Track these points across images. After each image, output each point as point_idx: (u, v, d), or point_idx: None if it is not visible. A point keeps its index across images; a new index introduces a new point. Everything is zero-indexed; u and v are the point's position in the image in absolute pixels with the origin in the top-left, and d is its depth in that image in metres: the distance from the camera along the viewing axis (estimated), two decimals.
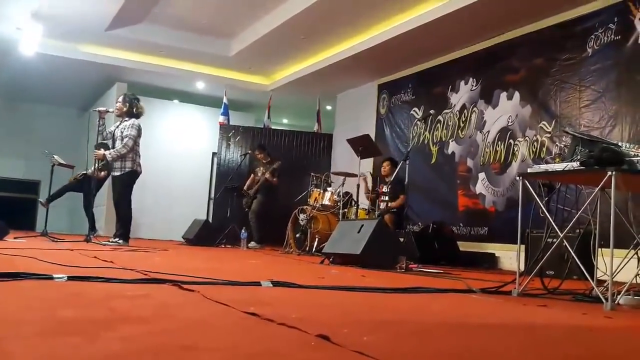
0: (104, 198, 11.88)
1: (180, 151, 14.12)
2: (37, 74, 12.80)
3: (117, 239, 7.64)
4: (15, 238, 7.40)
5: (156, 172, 12.44)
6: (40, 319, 1.85)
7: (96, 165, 7.88)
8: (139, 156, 7.86)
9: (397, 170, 7.95)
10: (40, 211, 15.30)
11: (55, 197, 9.51)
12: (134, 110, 7.88)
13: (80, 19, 10.35)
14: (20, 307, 2.06)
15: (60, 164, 9.31)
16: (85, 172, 9.27)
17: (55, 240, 7.86)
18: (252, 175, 10.57)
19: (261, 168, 10.32)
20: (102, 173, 8.51)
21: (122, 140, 7.69)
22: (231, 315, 2.16)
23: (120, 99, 8.04)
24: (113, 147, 7.77)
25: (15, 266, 3.35)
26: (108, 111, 7.99)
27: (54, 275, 2.85)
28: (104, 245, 7.32)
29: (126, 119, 7.85)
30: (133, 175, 7.80)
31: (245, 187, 10.49)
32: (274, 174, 10.12)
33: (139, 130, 7.79)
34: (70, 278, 2.86)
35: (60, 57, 11.69)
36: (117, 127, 7.86)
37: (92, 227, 8.44)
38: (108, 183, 8.95)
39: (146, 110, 8.28)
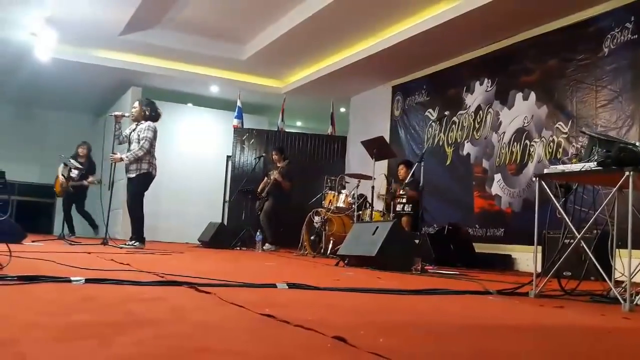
0: (120, 201, 11.95)
1: (195, 155, 14.17)
2: (52, 80, 12.91)
3: (133, 242, 7.69)
4: (32, 241, 7.47)
5: (171, 175, 12.51)
6: (56, 322, 1.86)
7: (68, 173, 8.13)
8: (155, 158, 7.91)
9: (412, 172, 7.94)
10: (57, 215, 15.42)
11: (71, 223, 10.06)
12: (151, 113, 7.93)
13: (94, 24, 10.42)
14: (37, 311, 2.08)
15: (76, 168, 9.38)
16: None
17: (73, 243, 7.92)
18: (265, 178, 10.59)
19: (274, 171, 10.34)
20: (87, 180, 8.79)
21: (138, 142, 7.73)
22: (247, 317, 2.16)
23: (136, 103, 8.10)
24: (129, 149, 7.83)
25: (34, 269, 3.37)
26: (124, 115, 8.05)
27: (72, 278, 2.87)
28: (121, 248, 7.36)
29: (142, 122, 7.90)
30: (148, 177, 7.83)
31: (259, 190, 10.50)
32: (282, 173, 10.14)
33: (155, 132, 7.83)
34: (87, 281, 2.88)
35: (74, 62, 11.78)
36: (133, 130, 7.91)
37: (93, 225, 8.62)
38: (124, 185, 9.00)
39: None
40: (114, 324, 1.88)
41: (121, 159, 7.76)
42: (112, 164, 7.96)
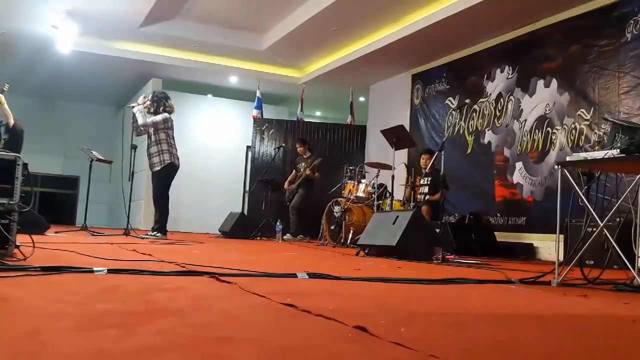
0: (142, 192, 12.05)
1: (215, 145, 14.25)
2: (74, 72, 13.04)
3: (155, 232, 7.75)
4: (56, 232, 7.55)
5: (192, 166, 12.58)
6: (80, 312, 1.88)
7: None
8: (176, 149, 7.96)
9: (433, 161, 7.89)
10: (80, 206, 15.61)
11: None
12: (161, 109, 7.94)
13: (115, 16, 10.49)
14: (60, 301, 2.10)
15: (98, 160, 9.45)
16: None
17: (95, 234, 8.00)
18: (294, 171, 10.59)
19: (303, 163, 10.36)
20: None
21: (155, 134, 7.79)
22: (268, 306, 2.17)
23: (149, 96, 8.15)
24: (149, 142, 7.88)
25: (57, 260, 3.41)
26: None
27: (94, 269, 2.90)
28: (143, 238, 7.42)
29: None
30: (171, 168, 7.88)
31: (286, 183, 10.51)
32: (314, 170, 10.17)
33: (165, 120, 7.87)
34: (110, 271, 2.90)
35: (95, 54, 11.88)
36: None
37: None
38: (147, 178, 9.05)
39: (181, 105, 8.37)
40: (136, 313, 1.90)
41: (138, 104, 7.88)
42: (132, 154, 8.01)
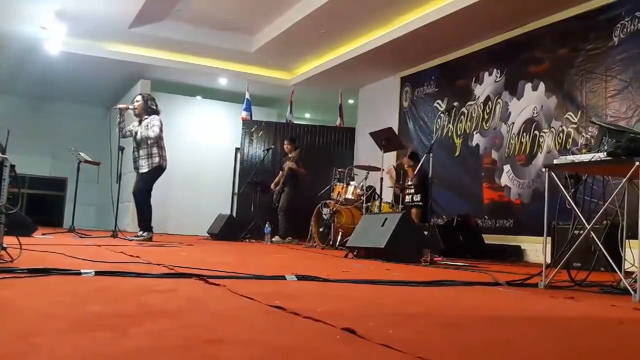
0: (131, 194, 11.98)
1: (204, 147, 14.20)
2: (62, 73, 12.96)
3: (142, 232, 7.74)
4: (43, 234, 7.51)
5: (180, 168, 12.54)
6: (70, 314, 1.87)
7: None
8: (165, 151, 7.95)
9: (421, 163, 7.92)
10: (68, 207, 15.52)
11: None
12: (152, 107, 7.94)
13: (104, 17, 10.44)
14: (50, 302, 2.09)
15: (86, 161, 9.39)
16: None
17: (83, 236, 7.96)
18: (280, 172, 10.58)
19: (287, 162, 10.36)
20: None
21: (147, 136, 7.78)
22: (257, 309, 2.17)
23: (139, 97, 8.12)
24: (136, 146, 7.85)
25: (44, 262, 3.40)
26: (128, 108, 8.06)
27: (82, 271, 2.89)
28: (130, 240, 7.40)
29: (145, 117, 7.91)
30: (159, 170, 7.88)
31: (273, 184, 10.49)
32: (297, 162, 10.16)
33: (161, 123, 7.88)
34: (97, 273, 2.90)
35: (84, 55, 11.81)
36: (139, 126, 7.93)
37: None
38: (132, 178, 9.01)
39: (170, 107, 8.35)
40: (129, 315, 1.90)
41: (127, 108, 7.84)
42: (119, 156, 7.97)
